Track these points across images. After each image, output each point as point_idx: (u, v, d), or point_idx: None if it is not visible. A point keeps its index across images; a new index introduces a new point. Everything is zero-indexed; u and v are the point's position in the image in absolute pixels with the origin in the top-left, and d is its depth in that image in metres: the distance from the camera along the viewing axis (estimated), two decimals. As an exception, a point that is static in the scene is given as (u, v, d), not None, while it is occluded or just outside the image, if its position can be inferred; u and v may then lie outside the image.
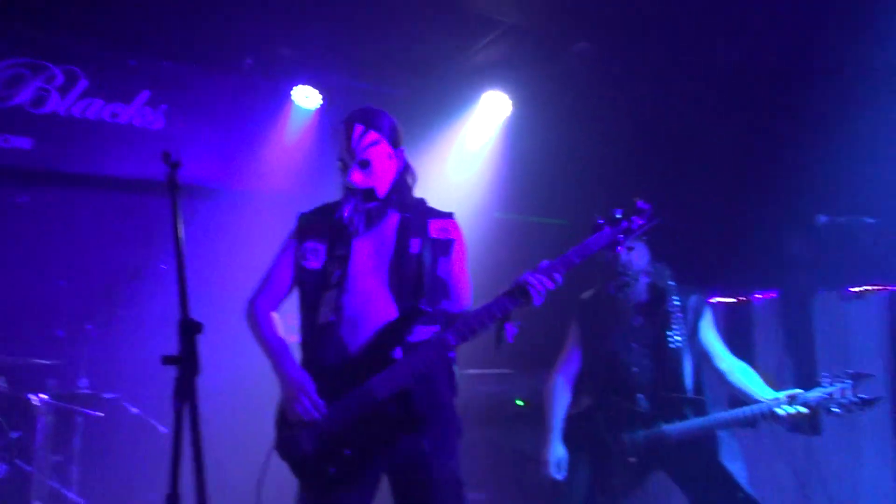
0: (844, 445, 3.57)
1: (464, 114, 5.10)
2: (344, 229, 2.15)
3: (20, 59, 4.25)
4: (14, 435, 3.52)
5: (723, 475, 2.75)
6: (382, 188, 2.18)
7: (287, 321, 2.25)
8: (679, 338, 2.87)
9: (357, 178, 2.14)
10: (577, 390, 3.08)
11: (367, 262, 2.15)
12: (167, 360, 1.69)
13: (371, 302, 2.10)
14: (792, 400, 2.56)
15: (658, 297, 2.96)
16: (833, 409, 2.51)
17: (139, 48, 4.53)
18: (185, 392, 1.66)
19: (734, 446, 2.86)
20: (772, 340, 4.00)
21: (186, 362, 1.67)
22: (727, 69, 4.03)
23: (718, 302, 4.32)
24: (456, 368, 2.21)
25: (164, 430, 3.86)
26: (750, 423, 2.65)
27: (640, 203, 2.14)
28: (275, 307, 2.24)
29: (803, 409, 2.53)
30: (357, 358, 2.06)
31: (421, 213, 2.23)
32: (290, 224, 2.29)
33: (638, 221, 2.13)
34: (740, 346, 4.18)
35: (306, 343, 2.15)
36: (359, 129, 2.16)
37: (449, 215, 2.27)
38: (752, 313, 4.15)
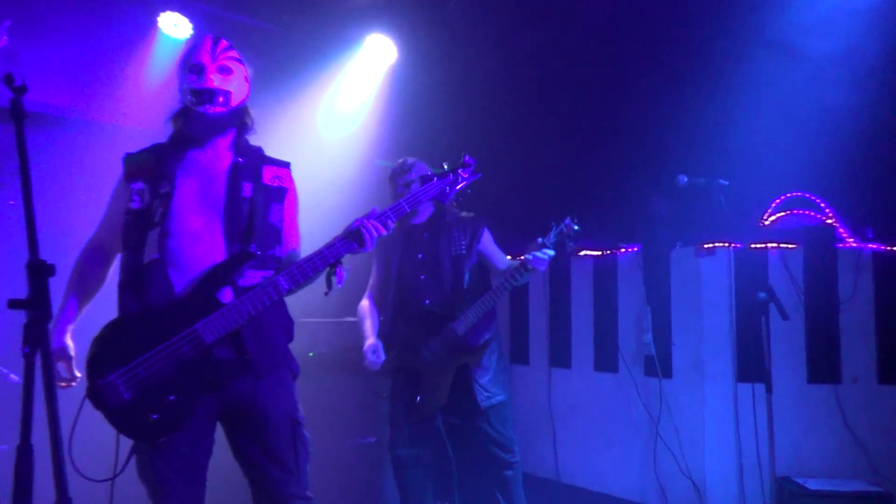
0: (691, 387, 3.93)
1: (345, 56, 4.95)
2: (167, 164, 2.12)
3: None
4: None
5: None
6: (235, 99, 2.18)
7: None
8: (462, 246, 3.24)
9: (214, 78, 2.13)
10: (381, 310, 3.34)
11: (195, 202, 2.10)
12: (14, 303, 1.56)
13: (198, 242, 2.06)
14: (540, 246, 3.01)
15: (439, 213, 3.31)
16: (568, 243, 3.10)
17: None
18: (36, 338, 1.55)
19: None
20: (634, 290, 4.29)
21: (37, 307, 1.56)
22: (597, 25, 4.17)
23: (587, 254, 4.57)
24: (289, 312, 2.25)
25: (14, 378, 3.60)
26: (513, 280, 3.06)
27: (466, 157, 2.29)
28: (103, 255, 2.21)
29: (550, 252, 3.00)
30: (183, 300, 2.01)
31: (256, 159, 2.23)
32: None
33: (463, 175, 2.27)
34: (606, 293, 4.47)
35: (129, 283, 2.06)
36: (225, 42, 2.21)
37: (285, 164, 2.30)
38: (616, 265, 4.41)
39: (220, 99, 2.12)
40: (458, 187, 2.27)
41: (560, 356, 4.73)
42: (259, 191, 2.16)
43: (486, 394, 3.17)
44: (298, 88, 4.81)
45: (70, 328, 2.10)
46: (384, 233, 2.12)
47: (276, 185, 2.22)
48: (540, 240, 3.03)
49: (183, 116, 2.16)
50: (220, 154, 2.19)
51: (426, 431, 3.21)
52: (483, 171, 2.35)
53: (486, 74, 4.69)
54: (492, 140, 2.50)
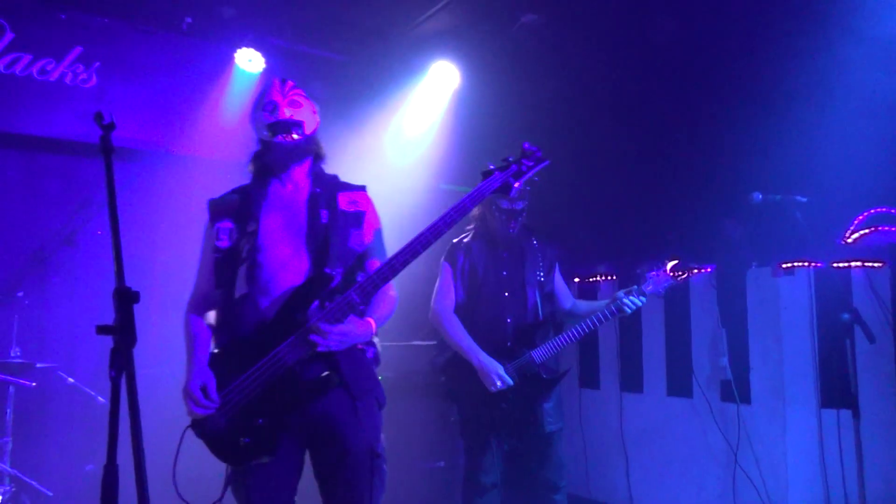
0: (771, 413, 3.76)
1: (410, 83, 5.05)
2: (253, 203, 2.22)
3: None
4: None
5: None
6: (308, 128, 2.27)
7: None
8: (541, 273, 3.27)
9: (286, 111, 2.23)
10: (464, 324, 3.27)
11: (281, 233, 2.19)
12: (102, 329, 1.64)
13: (286, 270, 2.14)
14: (627, 293, 3.10)
15: (525, 234, 3.31)
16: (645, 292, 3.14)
17: (70, 1, 4.30)
18: (122, 362, 1.62)
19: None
20: (707, 312, 4.15)
21: (122, 332, 1.63)
22: (665, 43, 4.10)
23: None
24: (376, 339, 2.27)
25: (101, 400, 3.77)
26: (603, 321, 3.14)
27: (526, 145, 2.30)
28: (207, 306, 2.25)
29: (644, 299, 3.11)
30: (270, 326, 2.08)
31: (331, 187, 2.30)
32: (226, 189, 2.33)
33: (527, 163, 2.29)
34: (678, 316, 4.34)
35: (224, 320, 2.17)
36: (292, 82, 2.30)
37: (360, 188, 2.35)
38: (689, 286, 4.29)
39: (294, 129, 2.22)
40: (523, 178, 2.27)
41: (631, 380, 4.61)
42: (336, 217, 2.21)
43: (550, 419, 3.18)
44: (366, 116, 4.92)
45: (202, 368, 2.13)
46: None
47: (352, 210, 2.27)
48: (637, 287, 3.11)
49: (261, 151, 2.27)
50: (299, 185, 2.28)
51: (492, 455, 3.19)
52: (550, 196, 2.34)
53: (553, 96, 4.68)
54: (559, 163, 2.48)
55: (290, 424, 2.06)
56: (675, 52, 4.14)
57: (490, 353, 3.11)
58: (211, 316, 2.24)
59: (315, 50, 4.85)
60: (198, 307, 2.27)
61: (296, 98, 2.26)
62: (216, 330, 2.19)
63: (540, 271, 3.29)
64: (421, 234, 2.12)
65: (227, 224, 2.21)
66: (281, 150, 2.22)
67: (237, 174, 4.91)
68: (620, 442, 4.56)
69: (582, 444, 4.79)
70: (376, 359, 2.28)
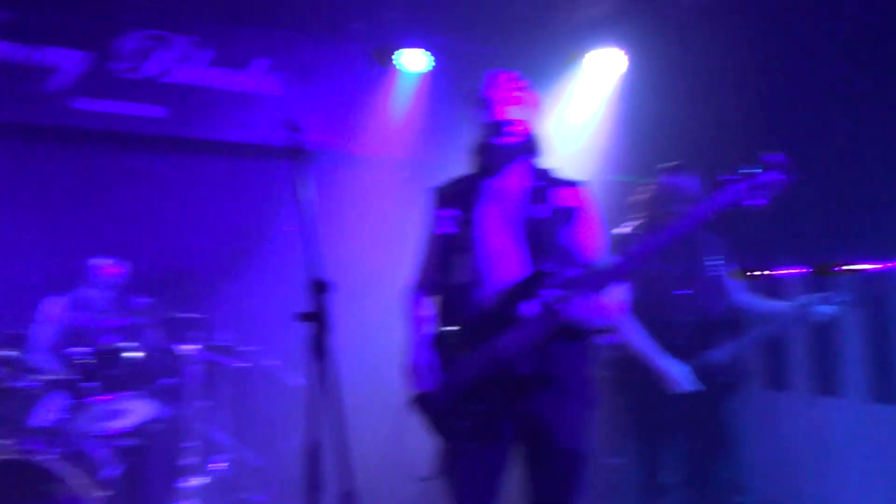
0: None
1: (573, 70, 4.98)
2: (474, 192, 2.24)
3: (149, 31, 4.54)
4: (171, 382, 3.95)
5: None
6: (527, 127, 2.24)
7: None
8: (716, 267, 3.09)
9: (504, 111, 2.19)
10: None
11: (495, 223, 2.20)
12: (300, 317, 1.82)
13: (502, 262, 2.16)
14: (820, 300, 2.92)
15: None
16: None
17: (258, 19, 4.73)
18: (320, 347, 1.79)
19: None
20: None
21: (319, 319, 1.80)
22: (852, 19, 3.70)
23: (855, 270, 4.03)
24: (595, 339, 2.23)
25: (298, 381, 4.14)
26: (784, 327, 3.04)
27: (768, 157, 2.06)
28: (428, 288, 2.35)
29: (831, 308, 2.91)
30: (487, 316, 2.12)
31: (549, 182, 2.26)
32: (400, 186, 2.41)
33: (765, 177, 2.05)
34: (882, 310, 3.91)
35: (444, 306, 2.25)
36: (513, 73, 2.25)
37: (574, 183, 2.28)
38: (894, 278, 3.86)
39: (509, 130, 2.19)
40: (758, 194, 2.06)
41: (827, 382, 4.23)
42: (552, 212, 2.20)
43: (727, 420, 3.09)
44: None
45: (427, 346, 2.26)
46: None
47: (567, 205, 2.23)
48: (823, 295, 2.95)
49: (478, 149, 2.26)
50: (517, 179, 2.24)
51: (669, 455, 3.11)
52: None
53: (729, 78, 4.39)
54: (735, 149, 2.34)
55: (503, 415, 2.11)
56: (872, 22, 3.72)
57: (665, 353, 2.99)
58: (432, 298, 2.34)
59: (477, 46, 4.95)
60: (420, 288, 2.37)
61: (512, 95, 2.22)
62: (438, 314, 2.27)
63: (715, 265, 3.12)
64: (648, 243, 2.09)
65: (449, 212, 2.26)
66: (497, 152, 2.20)
67: (405, 172, 5.15)
68: (814, 449, 4.21)
69: (769, 448, 4.49)
70: (593, 356, 2.24)
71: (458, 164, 2.36)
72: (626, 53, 4.76)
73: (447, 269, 2.23)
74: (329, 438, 1.71)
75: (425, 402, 2.19)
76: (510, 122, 2.18)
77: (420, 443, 2.32)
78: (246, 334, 4.18)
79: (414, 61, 4.91)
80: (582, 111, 5.05)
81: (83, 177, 4.54)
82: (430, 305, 2.34)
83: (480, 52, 4.94)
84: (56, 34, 4.32)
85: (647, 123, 4.84)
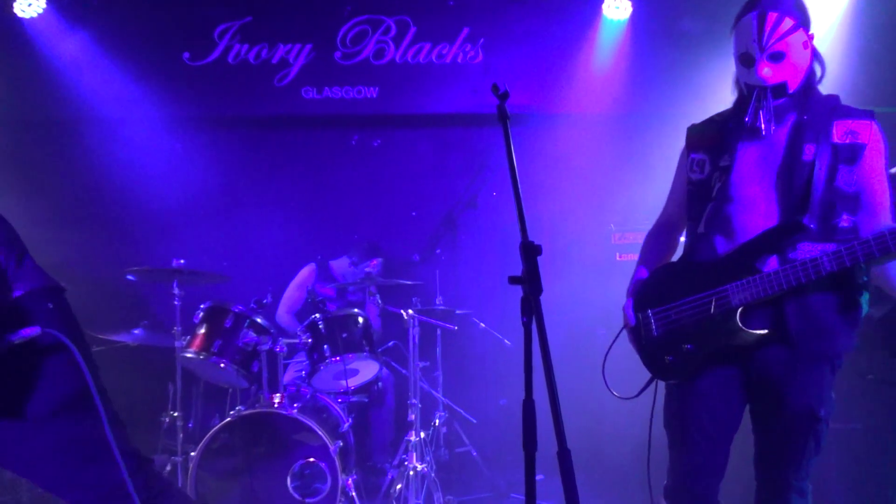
0: None
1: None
2: (730, 135, 2.05)
3: (362, 17, 4.82)
4: (391, 343, 4.25)
5: None
6: (794, 82, 1.99)
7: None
8: None
9: (766, 72, 1.95)
10: None
11: (754, 170, 2.01)
12: (513, 280, 1.82)
13: (752, 212, 1.99)
14: None
15: None
16: None
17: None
18: (532, 309, 1.79)
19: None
20: None
21: (530, 282, 1.80)
22: None
23: None
24: (864, 301, 1.96)
25: (507, 342, 4.24)
26: None
27: None
28: (670, 230, 2.32)
29: None
30: (725, 261, 2.00)
31: (826, 114, 1.96)
32: (607, 143, 2.32)
33: None
34: None
35: (689, 250, 2.15)
36: (773, 16, 1.93)
37: (864, 114, 1.95)
38: None
39: (775, 92, 1.98)
40: None
41: None
42: (823, 152, 1.92)
43: None
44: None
45: (642, 280, 2.24)
46: None
47: (847, 141, 1.92)
48: None
49: (740, 102, 2.07)
50: (783, 114, 2.00)
51: None
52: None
53: None
54: None
55: (720, 363, 2.02)
56: None
57: None
58: (674, 240, 2.32)
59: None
60: (660, 227, 2.33)
61: (777, 47, 1.93)
62: (683, 257, 2.18)
63: None
64: None
65: (701, 156, 2.13)
66: (770, 112, 1.98)
67: (612, 127, 4.96)
68: None
69: None
70: (852, 322, 1.96)
71: (666, 117, 2.21)
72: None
73: (696, 217, 2.13)
74: (541, 398, 1.71)
75: (636, 335, 2.19)
76: (773, 86, 1.96)
77: (618, 409, 2.26)
78: (460, 298, 4.35)
79: (617, 9, 4.70)
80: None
81: (311, 157, 5.00)
82: (664, 245, 2.30)
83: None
84: (285, 32, 4.76)
85: (886, 47, 4.20)
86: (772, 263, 1.93)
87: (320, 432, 3.19)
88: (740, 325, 1.95)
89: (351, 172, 4.94)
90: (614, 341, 2.30)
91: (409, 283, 3.93)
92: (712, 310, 1.99)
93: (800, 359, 1.93)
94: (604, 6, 4.71)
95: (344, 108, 4.83)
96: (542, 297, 1.73)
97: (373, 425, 4.17)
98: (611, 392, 2.27)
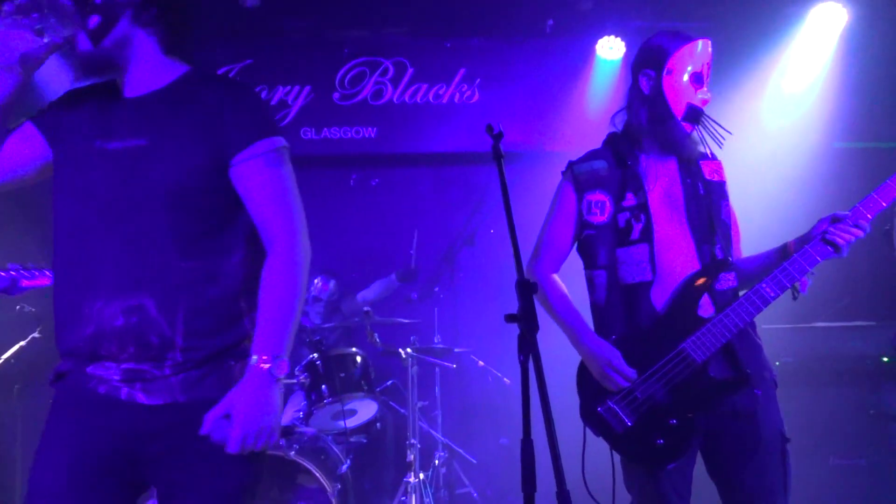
0: None
1: (789, 33, 4.53)
2: (630, 172, 2.03)
3: (360, 59, 4.90)
4: (389, 382, 4.22)
5: None
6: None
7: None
8: None
9: (707, 95, 2.04)
10: None
11: (663, 208, 2.01)
12: (509, 318, 1.82)
13: (676, 252, 1.99)
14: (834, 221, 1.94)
15: None
16: None
17: (452, 31, 4.89)
18: (529, 347, 1.78)
19: None
20: None
21: (527, 320, 1.80)
22: None
23: None
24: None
25: (507, 381, 4.21)
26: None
27: None
28: (556, 269, 2.19)
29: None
30: (666, 317, 1.96)
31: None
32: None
33: None
34: None
35: (602, 307, 2.06)
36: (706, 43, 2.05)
37: (714, 156, 2.12)
38: None
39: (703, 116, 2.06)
40: None
41: None
42: (707, 187, 2.04)
43: None
44: (741, 79, 4.57)
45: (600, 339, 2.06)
46: (862, 236, 1.89)
47: (716, 179, 2.08)
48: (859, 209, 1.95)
49: (669, 127, 2.05)
50: (665, 153, 2.07)
51: None
52: None
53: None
54: None
55: (699, 421, 1.97)
56: None
57: None
58: (559, 283, 2.17)
59: (678, 23, 4.68)
60: (550, 269, 2.17)
61: (709, 72, 2.06)
62: (603, 313, 2.07)
63: None
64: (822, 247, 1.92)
65: (599, 195, 2.05)
66: (680, 141, 2.03)
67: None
68: None
69: None
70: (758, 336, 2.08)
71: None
72: (844, 4, 4.25)
73: (608, 265, 2.04)
74: (540, 437, 1.69)
75: (604, 426, 2.00)
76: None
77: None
78: (459, 336, 4.33)
79: (610, 49, 4.78)
80: (803, 75, 4.58)
81: (310, 197, 4.98)
82: (561, 286, 2.15)
83: (681, 28, 4.66)
84: (284, 74, 4.84)
85: (875, 81, 4.28)
86: (705, 303, 1.95)
87: (318, 475, 3.15)
88: (712, 378, 1.94)
89: (350, 211, 4.96)
90: (584, 448, 2.10)
91: (406, 321, 3.92)
92: (679, 374, 1.93)
93: (761, 387, 1.96)
94: (597, 46, 4.80)
95: (342, 148, 4.88)
96: (539, 334, 1.73)
97: (372, 467, 4.12)
98: (594, 500, 2.03)
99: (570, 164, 2.16)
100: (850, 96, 4.54)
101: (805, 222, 2.00)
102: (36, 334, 3.61)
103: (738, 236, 2.14)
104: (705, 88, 2.03)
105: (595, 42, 4.80)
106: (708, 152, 2.09)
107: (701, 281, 1.95)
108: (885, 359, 3.64)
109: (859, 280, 4.24)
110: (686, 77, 2.01)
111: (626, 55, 4.81)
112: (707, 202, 2.01)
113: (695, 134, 2.05)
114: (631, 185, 2.02)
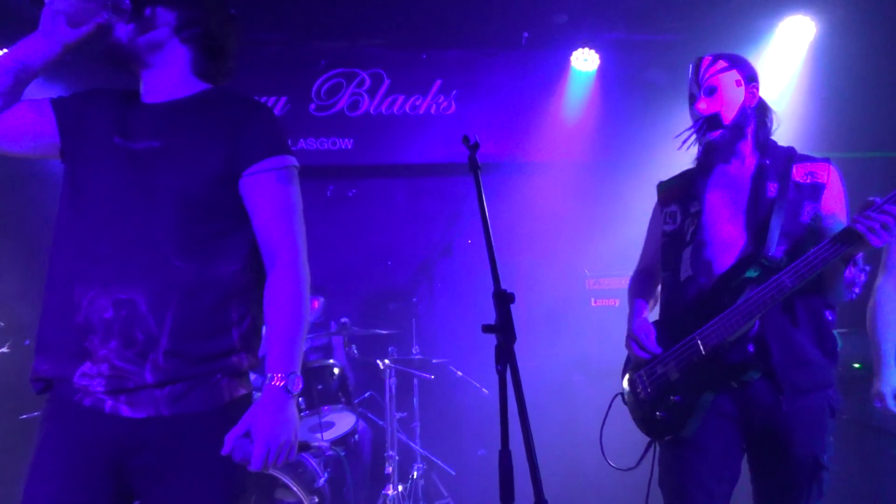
0: None
1: (759, 46, 4.62)
2: (696, 183, 2.15)
3: (337, 70, 4.90)
4: (367, 394, 4.19)
5: None
6: (728, 115, 2.11)
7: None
8: None
9: (702, 105, 2.12)
10: None
11: (723, 211, 2.10)
12: (487, 328, 1.82)
13: (727, 251, 2.06)
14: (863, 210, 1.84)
15: None
16: None
17: (428, 42, 4.92)
18: (506, 357, 1.79)
19: None
20: None
21: (504, 330, 1.80)
22: None
23: None
24: (836, 332, 2.02)
25: (485, 391, 4.21)
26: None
27: None
28: (649, 276, 2.36)
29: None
30: (701, 307, 2.04)
31: (784, 159, 2.09)
32: (578, 190, 2.36)
33: None
34: None
35: (667, 301, 2.20)
36: (707, 59, 2.16)
37: (821, 159, 2.09)
38: None
39: (712, 124, 2.11)
40: None
41: None
42: (786, 189, 2.03)
43: None
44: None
45: (643, 316, 2.26)
46: (891, 223, 1.75)
47: (808, 181, 2.04)
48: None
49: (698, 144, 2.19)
50: (745, 161, 2.13)
51: None
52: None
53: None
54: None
55: (715, 407, 2.00)
56: None
57: None
58: (655, 287, 2.34)
59: (650, 35, 4.76)
60: (642, 274, 2.39)
61: (710, 83, 2.11)
62: (661, 309, 2.24)
63: None
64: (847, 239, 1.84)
65: (673, 208, 2.22)
66: (708, 149, 2.13)
67: (583, 174, 5.05)
68: None
69: None
70: (829, 350, 1.98)
71: (636, 164, 2.26)
72: (812, 17, 4.35)
73: (673, 266, 2.16)
74: (518, 448, 1.69)
75: (629, 390, 2.19)
76: (707, 117, 2.10)
77: (597, 457, 2.26)
78: (437, 347, 4.32)
79: (585, 61, 4.83)
80: (773, 86, 4.68)
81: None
82: (646, 289, 2.34)
83: (653, 41, 4.75)
84: (260, 85, 4.81)
85: (844, 93, 4.38)
86: (743, 296, 1.97)
87: (295, 488, 3.12)
88: (723, 361, 1.97)
89: (326, 222, 4.94)
90: (609, 409, 2.26)
91: (385, 332, 3.90)
92: (692, 355, 2.01)
93: (793, 393, 1.93)
94: (572, 58, 4.85)
95: (319, 160, 4.86)
96: (517, 345, 1.73)
97: (349, 479, 4.08)
98: (609, 464, 2.22)
99: (658, 184, 2.35)
100: (819, 107, 4.63)
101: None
102: (5, 349, 3.53)
103: None
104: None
105: (570, 54, 4.85)
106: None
107: (734, 275, 1.99)
108: (856, 365, 3.70)
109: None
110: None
111: (600, 67, 4.87)
112: (775, 204, 2.01)
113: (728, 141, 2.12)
114: (695, 194, 2.15)
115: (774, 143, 2.15)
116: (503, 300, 1.79)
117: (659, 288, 2.32)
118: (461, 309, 4.74)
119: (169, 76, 1.66)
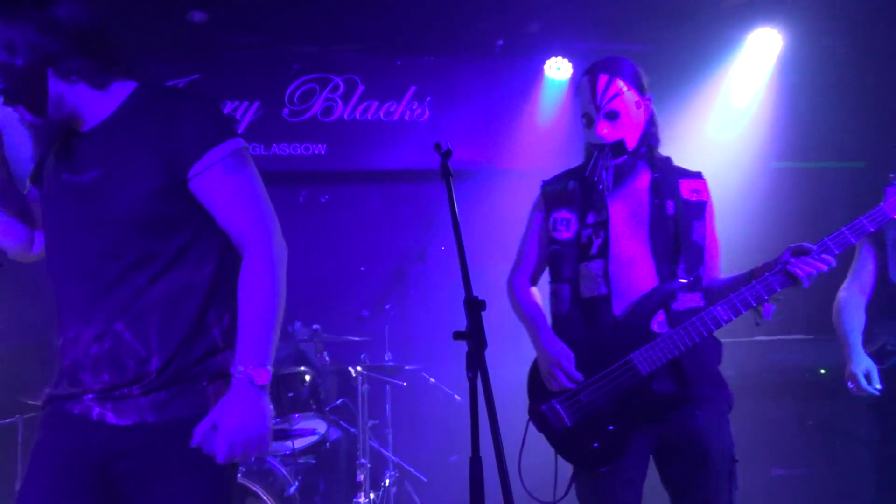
0: None
1: (727, 58, 4.71)
2: (595, 192, 2.09)
3: (310, 75, 4.88)
4: (339, 402, 4.16)
5: None
6: (632, 140, 2.08)
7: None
8: None
9: (604, 131, 2.05)
10: (870, 317, 2.69)
11: (625, 226, 2.07)
12: (457, 335, 1.82)
13: (633, 269, 2.04)
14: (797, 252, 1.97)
15: None
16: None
17: (403, 49, 4.92)
18: (477, 364, 1.79)
19: None
20: None
21: (475, 337, 1.80)
22: None
23: None
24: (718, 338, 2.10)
25: (458, 398, 4.21)
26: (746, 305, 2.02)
27: None
28: (531, 282, 2.29)
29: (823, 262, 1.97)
30: (619, 328, 2.02)
31: (670, 172, 2.12)
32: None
33: None
34: None
35: (563, 317, 2.12)
36: (603, 78, 2.05)
37: (698, 175, 2.15)
38: None
39: (617, 149, 2.07)
40: None
41: None
42: (680, 207, 2.05)
43: None
44: (684, 100, 4.71)
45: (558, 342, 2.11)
46: (825, 270, 1.91)
47: (694, 199, 2.09)
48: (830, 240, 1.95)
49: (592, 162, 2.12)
50: (640, 174, 2.12)
51: None
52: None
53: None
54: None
55: (639, 433, 2.01)
56: None
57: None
58: (536, 293, 2.26)
59: (623, 45, 4.81)
60: (528, 282, 2.27)
61: (612, 106, 2.04)
62: (563, 322, 2.14)
63: None
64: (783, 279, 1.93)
65: (565, 213, 2.13)
66: (616, 174, 2.08)
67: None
68: None
69: None
70: (720, 357, 2.11)
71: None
72: (780, 31, 4.44)
73: (571, 279, 2.10)
74: (489, 454, 1.69)
75: (545, 423, 2.08)
76: (612, 143, 2.06)
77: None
78: (410, 354, 4.31)
79: (558, 70, 4.87)
80: (741, 97, 4.76)
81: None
82: (536, 300, 2.25)
83: (626, 50, 4.79)
84: (232, 89, 4.77)
85: (811, 103, 4.48)
86: (659, 318, 1.99)
87: (266, 498, 3.08)
88: (654, 391, 1.98)
89: (299, 228, 4.90)
90: (525, 437, 2.15)
91: (357, 339, 3.88)
92: (624, 383, 1.98)
93: (705, 403, 2.00)
94: (545, 67, 4.89)
95: (292, 165, 4.83)
96: (489, 351, 1.73)
97: (320, 488, 4.04)
98: (531, 496, 2.09)
99: (542, 184, 2.25)
100: (786, 117, 4.72)
101: (742, 237, 2.06)
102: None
103: (716, 257, 2.15)
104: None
105: (543, 62, 4.88)
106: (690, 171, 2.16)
107: (653, 298, 2.00)
108: (823, 371, 3.76)
109: (797, 295, 4.38)
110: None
111: (573, 75, 4.91)
112: (675, 222, 2.04)
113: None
114: (595, 203, 2.08)
115: (659, 154, 2.15)
116: (474, 307, 1.79)
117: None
118: (434, 316, 4.73)
119: (90, 105, 1.58)
